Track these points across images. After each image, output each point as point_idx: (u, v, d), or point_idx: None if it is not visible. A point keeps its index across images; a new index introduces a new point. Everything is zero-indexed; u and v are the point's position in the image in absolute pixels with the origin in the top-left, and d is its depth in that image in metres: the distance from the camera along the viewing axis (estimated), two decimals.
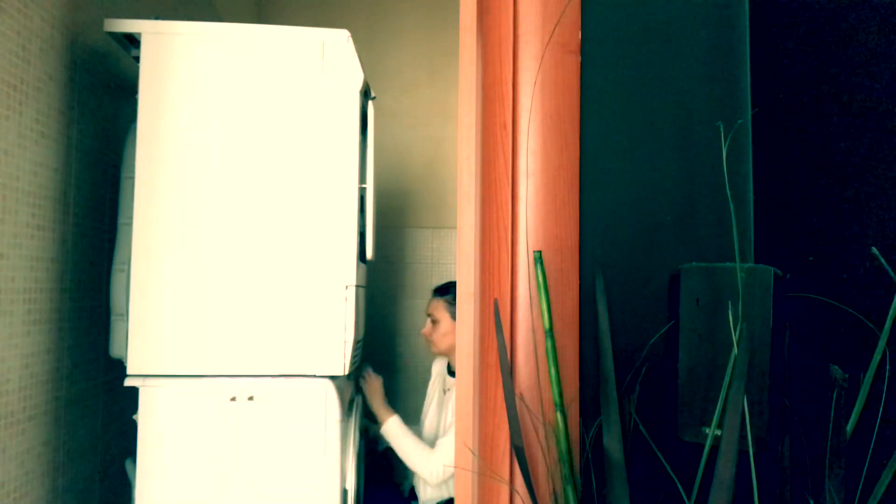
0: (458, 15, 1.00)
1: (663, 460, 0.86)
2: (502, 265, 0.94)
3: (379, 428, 1.83)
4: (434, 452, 1.73)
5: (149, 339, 1.28)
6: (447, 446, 1.70)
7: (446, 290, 1.87)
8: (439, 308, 1.86)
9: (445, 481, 1.76)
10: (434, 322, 1.87)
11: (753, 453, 0.75)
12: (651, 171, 0.95)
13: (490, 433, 0.93)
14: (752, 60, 0.97)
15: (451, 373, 1.92)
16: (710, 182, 0.94)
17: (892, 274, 0.75)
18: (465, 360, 0.96)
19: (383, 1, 2.76)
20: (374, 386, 1.78)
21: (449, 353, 1.91)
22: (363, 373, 1.78)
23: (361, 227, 1.42)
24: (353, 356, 1.38)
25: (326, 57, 1.34)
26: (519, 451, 0.83)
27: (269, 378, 1.31)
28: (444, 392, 1.89)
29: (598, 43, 0.95)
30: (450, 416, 1.78)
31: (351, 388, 1.56)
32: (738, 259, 0.83)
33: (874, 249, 0.78)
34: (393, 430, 1.76)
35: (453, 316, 1.80)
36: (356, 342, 1.39)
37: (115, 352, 1.36)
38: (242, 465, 1.29)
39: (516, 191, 0.94)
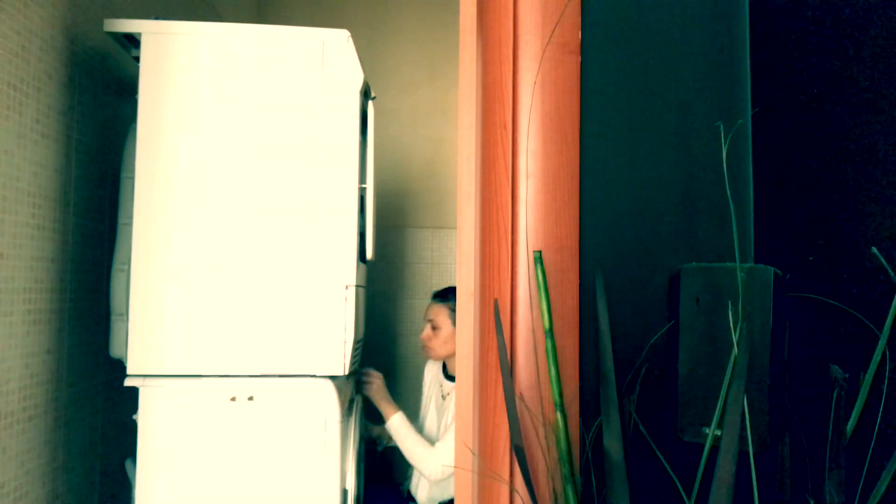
0: (458, 15, 1.00)
1: (663, 460, 0.86)
2: (502, 265, 0.94)
3: (383, 423, 1.82)
4: (434, 450, 1.73)
5: (149, 339, 1.28)
6: (447, 445, 1.70)
7: (448, 296, 1.85)
8: (441, 314, 1.83)
9: (445, 481, 1.76)
10: (434, 328, 1.84)
11: (753, 453, 0.75)
12: (651, 171, 0.95)
13: (490, 433, 0.93)
14: (752, 60, 0.97)
15: (449, 377, 1.90)
16: (710, 182, 0.94)
17: (892, 274, 0.75)
18: (465, 361, 0.96)
19: (383, 1, 2.76)
20: (376, 384, 1.77)
21: (447, 360, 1.89)
22: (363, 373, 1.77)
23: (361, 227, 1.42)
24: (353, 356, 1.38)
25: (326, 57, 1.34)
26: (519, 451, 0.83)
27: (269, 378, 1.31)
28: (443, 398, 1.88)
29: (598, 43, 0.95)
30: (450, 418, 1.78)
31: (351, 388, 1.56)
32: (738, 259, 0.83)
33: (874, 249, 0.78)
34: (397, 425, 1.76)
35: (455, 323, 1.79)
36: (356, 342, 1.39)
37: (115, 352, 1.36)
38: (242, 465, 1.29)
39: (516, 191, 0.94)
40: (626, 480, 0.81)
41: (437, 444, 1.74)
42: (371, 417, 1.94)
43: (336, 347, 1.32)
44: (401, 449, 1.77)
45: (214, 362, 1.29)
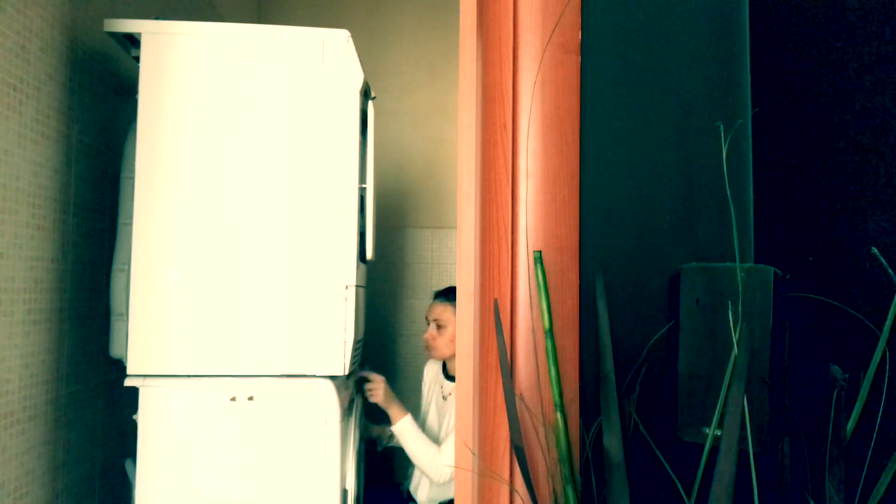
0: (458, 15, 1.00)
1: (663, 460, 0.86)
2: (502, 265, 0.94)
3: (383, 423, 1.82)
4: (440, 453, 1.72)
5: (149, 339, 1.28)
6: (452, 448, 1.70)
7: (452, 295, 1.84)
8: (447, 312, 1.82)
9: (449, 482, 1.76)
10: (440, 327, 1.83)
11: (753, 453, 0.75)
12: (651, 171, 0.95)
13: (490, 433, 0.93)
14: (752, 60, 0.97)
15: (449, 377, 1.90)
16: (710, 182, 0.94)
17: (892, 274, 0.75)
18: (465, 361, 0.96)
19: (383, 1, 2.76)
20: (380, 387, 1.75)
21: (448, 360, 1.89)
22: (363, 375, 1.76)
23: (361, 227, 1.42)
24: (353, 356, 1.38)
25: (326, 57, 1.34)
26: (519, 451, 0.83)
27: (269, 378, 1.31)
28: (444, 398, 1.88)
29: (598, 43, 0.95)
30: (453, 419, 1.77)
31: (351, 388, 1.56)
32: (738, 259, 0.83)
33: (874, 249, 0.78)
34: (405, 429, 1.75)
35: None
36: (356, 342, 1.39)
37: (115, 352, 1.36)
38: (242, 465, 1.29)
39: (516, 191, 0.94)
40: (626, 480, 0.81)
41: (442, 447, 1.74)
42: (371, 417, 1.94)
43: (336, 347, 1.32)
44: (407, 452, 1.76)
45: (214, 362, 1.29)
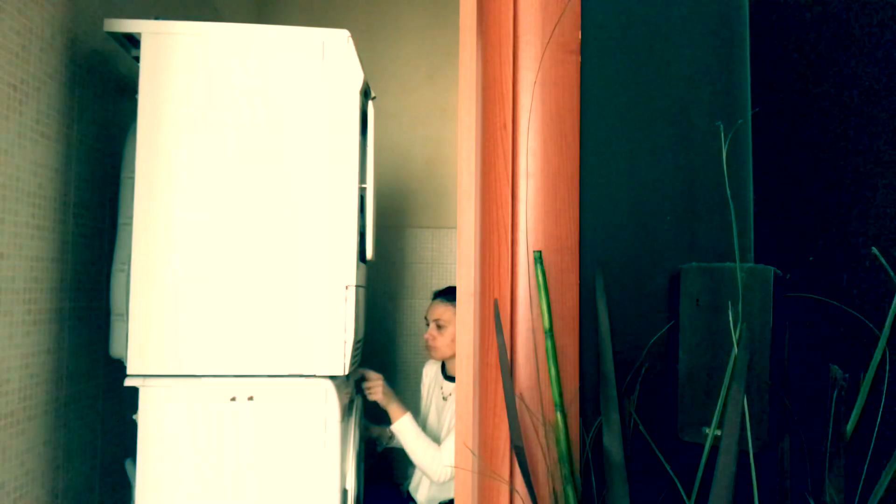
0: (458, 15, 1.00)
1: (663, 460, 0.86)
2: (502, 265, 0.94)
3: (384, 424, 1.82)
4: (440, 452, 1.72)
5: (149, 339, 1.28)
6: (452, 447, 1.69)
7: (453, 295, 1.84)
8: (448, 312, 1.82)
9: (449, 482, 1.75)
10: (440, 327, 1.83)
11: (753, 453, 0.75)
12: (651, 171, 0.95)
13: (490, 433, 0.93)
14: (752, 60, 0.97)
15: (449, 378, 1.89)
16: (710, 182, 0.94)
17: (892, 274, 0.75)
18: (465, 361, 0.96)
19: (383, 1, 2.76)
20: (378, 385, 1.75)
21: (447, 360, 1.88)
22: (360, 373, 1.76)
23: (361, 227, 1.42)
24: (353, 356, 1.38)
25: (326, 57, 1.34)
26: (519, 451, 0.83)
27: (269, 378, 1.31)
28: (444, 399, 1.88)
29: (598, 43, 0.95)
30: (453, 419, 1.77)
31: (351, 388, 1.56)
32: (738, 259, 0.83)
33: (874, 249, 0.78)
34: (404, 427, 1.74)
35: None
36: (356, 342, 1.39)
37: (115, 352, 1.36)
38: (242, 465, 1.29)
39: (516, 191, 0.94)
40: (626, 480, 0.81)
41: (442, 446, 1.74)
42: (371, 418, 1.94)
43: (336, 347, 1.32)
44: (406, 451, 1.76)
45: (214, 362, 1.29)
